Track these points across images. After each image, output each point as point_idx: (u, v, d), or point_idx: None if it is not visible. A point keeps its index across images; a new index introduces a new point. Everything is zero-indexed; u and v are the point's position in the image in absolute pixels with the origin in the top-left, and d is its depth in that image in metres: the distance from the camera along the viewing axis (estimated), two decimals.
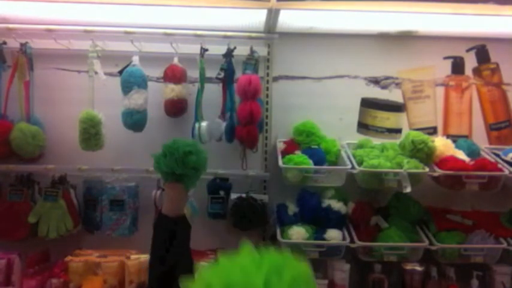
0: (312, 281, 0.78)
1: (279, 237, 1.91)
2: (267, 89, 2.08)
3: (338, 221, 1.97)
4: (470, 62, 2.18)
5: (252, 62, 1.98)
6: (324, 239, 1.91)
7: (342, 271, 1.95)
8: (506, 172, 1.90)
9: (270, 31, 2.03)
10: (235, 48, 1.98)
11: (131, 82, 1.92)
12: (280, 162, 1.92)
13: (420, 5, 1.76)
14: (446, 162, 1.91)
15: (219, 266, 0.75)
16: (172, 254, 1.36)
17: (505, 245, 1.93)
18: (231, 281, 0.71)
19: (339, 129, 2.15)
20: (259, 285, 0.70)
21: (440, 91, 2.19)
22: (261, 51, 2.03)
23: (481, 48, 2.18)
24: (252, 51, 2.00)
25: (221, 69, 1.98)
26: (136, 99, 1.91)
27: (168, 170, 1.39)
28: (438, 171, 1.90)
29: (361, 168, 1.88)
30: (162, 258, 1.36)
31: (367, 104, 2.17)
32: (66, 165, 2.03)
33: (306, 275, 0.76)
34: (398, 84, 2.18)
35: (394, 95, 2.18)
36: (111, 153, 2.03)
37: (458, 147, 2.03)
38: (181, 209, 1.44)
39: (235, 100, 2.00)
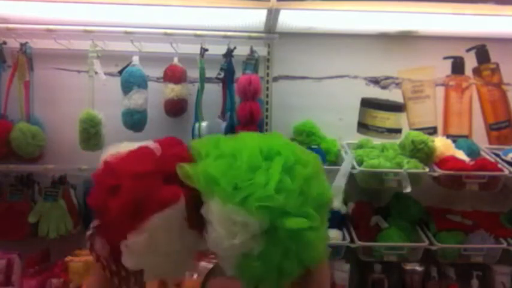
0: None
1: None
2: (267, 89, 2.08)
3: (338, 221, 1.97)
4: (470, 62, 2.18)
5: (252, 62, 1.97)
6: None
7: (342, 271, 1.95)
8: (506, 172, 1.90)
9: (270, 31, 2.03)
10: (235, 48, 1.98)
11: (131, 82, 1.91)
12: None
13: (420, 5, 1.76)
14: (446, 162, 1.91)
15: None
16: None
17: (505, 245, 1.94)
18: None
19: (339, 129, 2.14)
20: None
21: (440, 91, 2.20)
22: (261, 51, 2.03)
23: (481, 48, 2.18)
24: (252, 51, 1.99)
25: (221, 69, 1.98)
26: (136, 99, 1.91)
27: None
28: (438, 171, 1.90)
29: (361, 168, 1.88)
30: None
31: (367, 104, 2.17)
32: (66, 165, 2.03)
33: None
34: (398, 84, 2.18)
35: (394, 95, 2.18)
36: None
37: (458, 147, 2.03)
38: None
39: (235, 100, 2.00)
